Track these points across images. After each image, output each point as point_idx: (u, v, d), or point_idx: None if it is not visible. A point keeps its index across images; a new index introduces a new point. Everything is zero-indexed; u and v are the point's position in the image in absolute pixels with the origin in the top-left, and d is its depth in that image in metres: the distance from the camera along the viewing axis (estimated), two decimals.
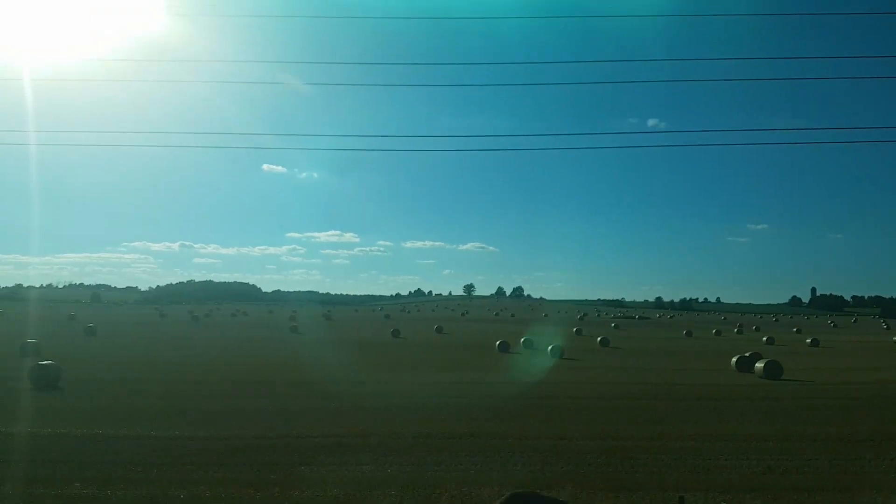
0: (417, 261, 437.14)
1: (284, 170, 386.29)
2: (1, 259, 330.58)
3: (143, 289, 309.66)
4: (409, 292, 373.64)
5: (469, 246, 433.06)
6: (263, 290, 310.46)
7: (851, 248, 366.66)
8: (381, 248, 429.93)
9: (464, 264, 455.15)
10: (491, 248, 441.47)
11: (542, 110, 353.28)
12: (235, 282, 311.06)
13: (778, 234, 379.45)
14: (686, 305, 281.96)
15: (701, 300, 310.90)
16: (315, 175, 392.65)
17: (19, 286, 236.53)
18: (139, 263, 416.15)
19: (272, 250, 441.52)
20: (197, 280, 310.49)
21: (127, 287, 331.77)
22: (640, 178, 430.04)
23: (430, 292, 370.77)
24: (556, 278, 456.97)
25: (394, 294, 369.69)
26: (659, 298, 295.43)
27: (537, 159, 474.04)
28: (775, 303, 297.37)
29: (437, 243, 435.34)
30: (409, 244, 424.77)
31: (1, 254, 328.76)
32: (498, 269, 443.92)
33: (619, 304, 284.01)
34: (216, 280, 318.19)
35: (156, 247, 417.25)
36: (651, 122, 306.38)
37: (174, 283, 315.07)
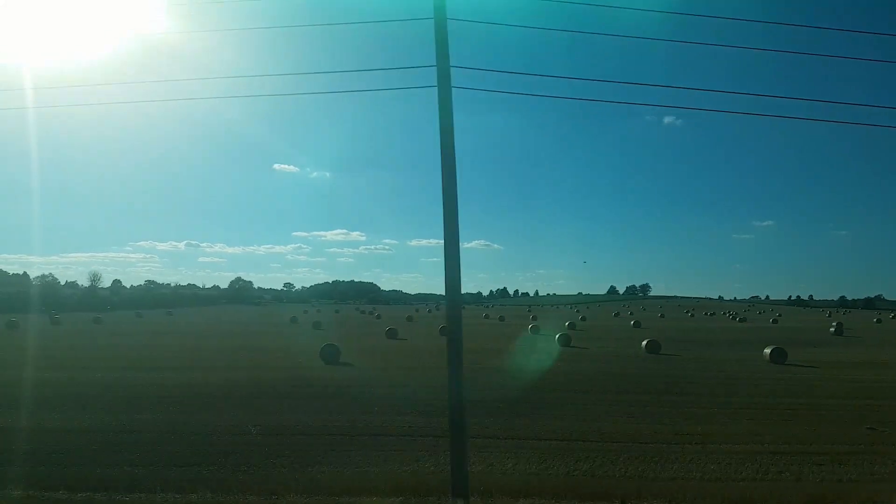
0: (422, 259, 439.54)
1: (296, 169, 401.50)
2: (6, 259, 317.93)
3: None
4: (491, 292, 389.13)
5: (473, 244, 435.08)
6: (382, 289, 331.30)
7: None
8: (387, 247, 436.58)
9: (468, 262, 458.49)
10: (495, 245, 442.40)
11: (551, 107, 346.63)
12: (359, 280, 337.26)
13: (783, 231, 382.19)
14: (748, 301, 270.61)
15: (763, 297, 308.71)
16: (327, 175, 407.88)
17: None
18: (144, 263, 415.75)
19: (278, 249, 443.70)
20: (331, 280, 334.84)
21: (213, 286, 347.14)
22: (643, 174, 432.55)
23: (517, 292, 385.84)
24: (560, 275, 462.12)
25: (493, 293, 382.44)
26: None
27: (542, 156, 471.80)
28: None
29: (442, 241, 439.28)
30: (413, 242, 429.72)
31: (5, 253, 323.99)
32: (502, 266, 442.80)
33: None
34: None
35: (162, 246, 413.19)
36: (667, 120, 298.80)
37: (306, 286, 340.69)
